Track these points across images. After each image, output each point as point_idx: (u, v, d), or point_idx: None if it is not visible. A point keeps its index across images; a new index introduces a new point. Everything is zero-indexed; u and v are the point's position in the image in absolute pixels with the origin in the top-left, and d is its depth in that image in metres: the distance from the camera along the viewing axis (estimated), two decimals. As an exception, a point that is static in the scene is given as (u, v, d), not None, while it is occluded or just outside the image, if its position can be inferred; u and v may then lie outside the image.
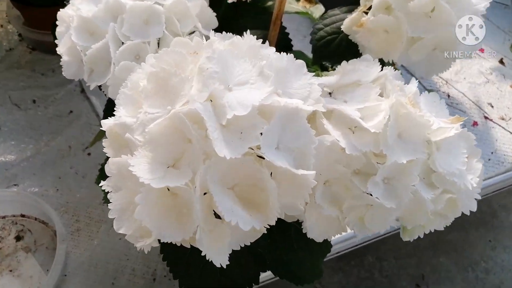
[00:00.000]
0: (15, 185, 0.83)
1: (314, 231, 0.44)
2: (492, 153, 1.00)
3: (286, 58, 0.39)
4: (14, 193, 0.80)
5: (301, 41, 1.10)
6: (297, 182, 0.34)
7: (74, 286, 0.72)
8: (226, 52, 0.35)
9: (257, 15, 0.64)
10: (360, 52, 0.56)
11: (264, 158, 0.33)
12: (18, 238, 0.76)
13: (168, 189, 0.34)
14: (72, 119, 0.95)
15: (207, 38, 0.55)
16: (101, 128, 0.39)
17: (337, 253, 0.82)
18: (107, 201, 0.50)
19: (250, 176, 0.34)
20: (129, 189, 0.35)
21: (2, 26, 1.14)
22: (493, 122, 1.07)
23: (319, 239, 0.45)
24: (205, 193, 0.34)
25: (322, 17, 0.61)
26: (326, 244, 0.53)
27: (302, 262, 0.51)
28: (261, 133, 0.33)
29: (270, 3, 0.69)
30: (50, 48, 1.03)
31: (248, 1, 0.60)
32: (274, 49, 0.40)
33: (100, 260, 0.75)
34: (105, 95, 0.52)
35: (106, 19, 0.49)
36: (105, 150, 0.40)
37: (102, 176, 0.56)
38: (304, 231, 0.45)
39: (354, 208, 0.42)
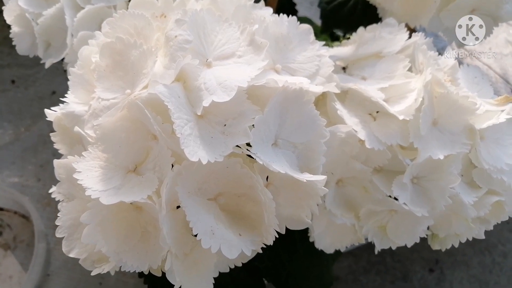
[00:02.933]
0: (-8, 175, 0.75)
1: (323, 242, 0.35)
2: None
3: (287, 21, 0.29)
4: (-9, 185, 0.72)
5: (308, 9, 0.98)
6: (302, 190, 0.26)
7: (58, 287, 0.65)
8: (203, 14, 0.25)
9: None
10: (380, 16, 0.46)
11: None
12: (-4, 234, 0.69)
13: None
14: (55, 101, 0.86)
15: None
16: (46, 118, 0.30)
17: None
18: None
19: (237, 183, 0.25)
20: (82, 200, 0.27)
21: (-23, -2, 1.04)
22: (522, 97, 0.96)
23: (329, 250, 0.36)
24: (178, 206, 0.25)
25: (333, -25, 0.50)
26: (338, 249, 0.44)
27: (309, 271, 0.43)
28: (253, 125, 0.24)
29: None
30: (30, 23, 0.94)
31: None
32: (270, 10, 0.30)
33: (86, 258, 0.68)
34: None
35: (62, -22, 0.39)
36: (56, 146, 0.31)
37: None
38: (310, 240, 0.37)
39: (373, 214, 0.34)
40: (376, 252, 0.36)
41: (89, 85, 0.28)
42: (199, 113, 0.24)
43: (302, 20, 0.53)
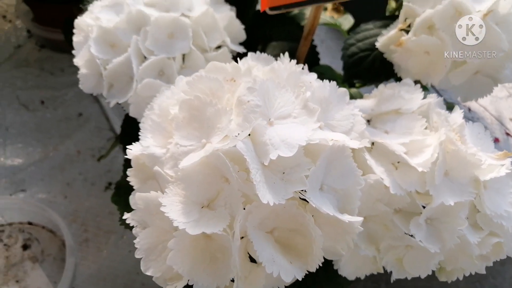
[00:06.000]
0: (22, 190, 0.80)
1: (347, 270, 0.41)
2: (513, 171, 0.96)
3: (328, 87, 0.36)
4: (21, 200, 0.76)
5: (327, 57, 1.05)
6: (341, 227, 0.31)
7: (82, 300, 0.69)
8: (268, 83, 0.32)
9: (285, 25, 0.61)
10: (395, 72, 0.52)
11: (307, 201, 0.30)
12: (25, 247, 0.73)
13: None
14: (82, 122, 0.92)
15: (234, 53, 0.52)
16: (125, 157, 0.36)
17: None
18: (122, 212, 0.47)
19: (292, 221, 0.31)
20: (157, 228, 0.32)
21: (10, 21, 1.10)
22: (515, 139, 1.03)
23: (351, 277, 0.42)
24: (242, 237, 0.31)
25: (354, 31, 0.57)
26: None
27: (327, 295, 0.49)
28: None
29: (296, 11, 0.66)
30: (59, 46, 0.99)
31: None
32: (315, 75, 0.37)
33: (109, 274, 0.72)
34: (124, 110, 0.48)
35: (128, 31, 0.45)
36: (129, 179, 0.37)
37: (119, 193, 0.53)
38: (335, 268, 0.42)
39: (392, 248, 0.39)
40: (391, 281, 0.41)
41: (165, 131, 0.34)
42: (266, 164, 0.29)
43: (325, 69, 0.60)
